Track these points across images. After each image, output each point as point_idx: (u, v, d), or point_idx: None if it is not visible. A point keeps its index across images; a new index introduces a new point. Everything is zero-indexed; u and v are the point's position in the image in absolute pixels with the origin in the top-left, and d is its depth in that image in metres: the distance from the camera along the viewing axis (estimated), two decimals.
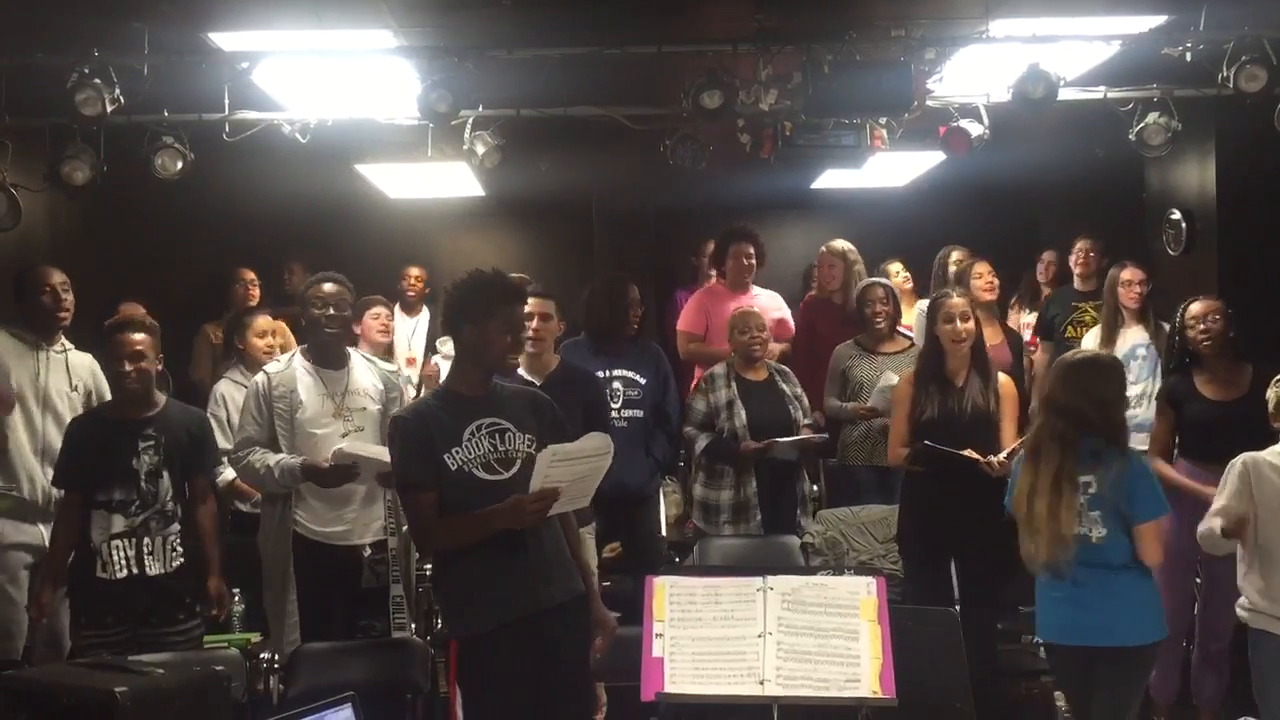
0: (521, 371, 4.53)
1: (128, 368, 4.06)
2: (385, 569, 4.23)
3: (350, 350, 4.41)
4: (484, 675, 3.29)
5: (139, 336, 4.08)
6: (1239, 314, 4.85)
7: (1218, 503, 3.70)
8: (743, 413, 5.15)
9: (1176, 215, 6.06)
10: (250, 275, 6.83)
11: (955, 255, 6.23)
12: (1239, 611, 3.72)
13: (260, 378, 4.31)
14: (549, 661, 3.29)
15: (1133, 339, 5.52)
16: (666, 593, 3.44)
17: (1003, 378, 4.66)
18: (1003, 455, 4.39)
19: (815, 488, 5.78)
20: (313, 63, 4.73)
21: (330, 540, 4.24)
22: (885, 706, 3.25)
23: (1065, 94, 4.89)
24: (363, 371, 4.35)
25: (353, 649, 4.10)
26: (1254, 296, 5.58)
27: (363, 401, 4.27)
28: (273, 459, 4.14)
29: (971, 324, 4.54)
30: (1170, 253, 6.12)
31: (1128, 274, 5.47)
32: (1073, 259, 6.18)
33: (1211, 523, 3.66)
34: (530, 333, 4.42)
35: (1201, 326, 4.60)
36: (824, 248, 6.42)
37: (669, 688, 3.28)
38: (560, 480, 3.17)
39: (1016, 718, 4.72)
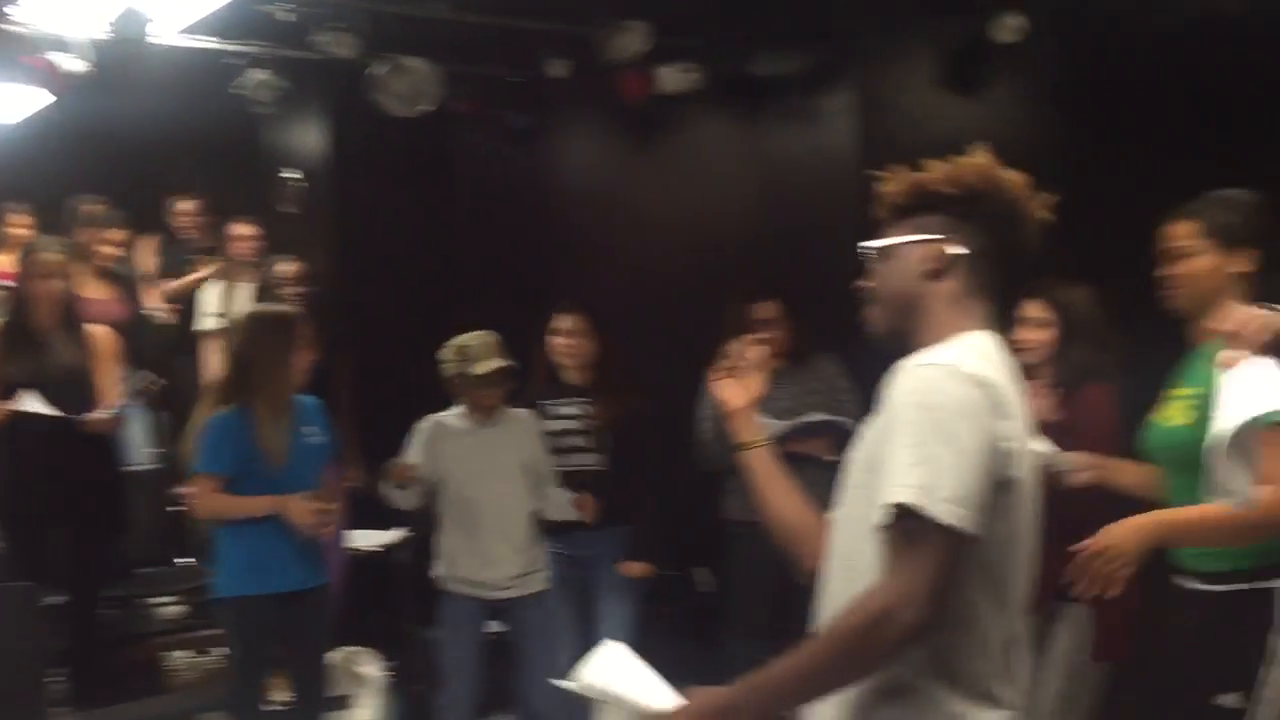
0: None
1: None
2: None
3: None
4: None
5: None
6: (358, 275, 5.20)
7: None
8: None
9: (293, 174, 6.24)
10: None
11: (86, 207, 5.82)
12: None
13: None
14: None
15: (245, 295, 5.62)
16: None
17: (98, 329, 4.46)
18: (106, 412, 4.24)
19: None
20: None
21: None
22: None
23: (175, 41, 4.75)
24: None
25: None
26: (361, 256, 5.96)
27: None
28: None
29: (64, 281, 4.28)
30: (288, 211, 6.29)
31: (240, 229, 5.59)
32: (179, 219, 6.13)
33: None
34: None
35: (292, 288, 4.95)
36: None
37: None
38: None
39: (126, 681, 4.57)
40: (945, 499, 1.55)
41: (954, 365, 1.64)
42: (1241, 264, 2.63)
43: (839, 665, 1.61)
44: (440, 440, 4.00)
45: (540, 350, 4.30)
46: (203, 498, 3.61)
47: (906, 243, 1.80)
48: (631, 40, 4.86)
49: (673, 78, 5.13)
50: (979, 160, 1.79)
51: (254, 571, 3.63)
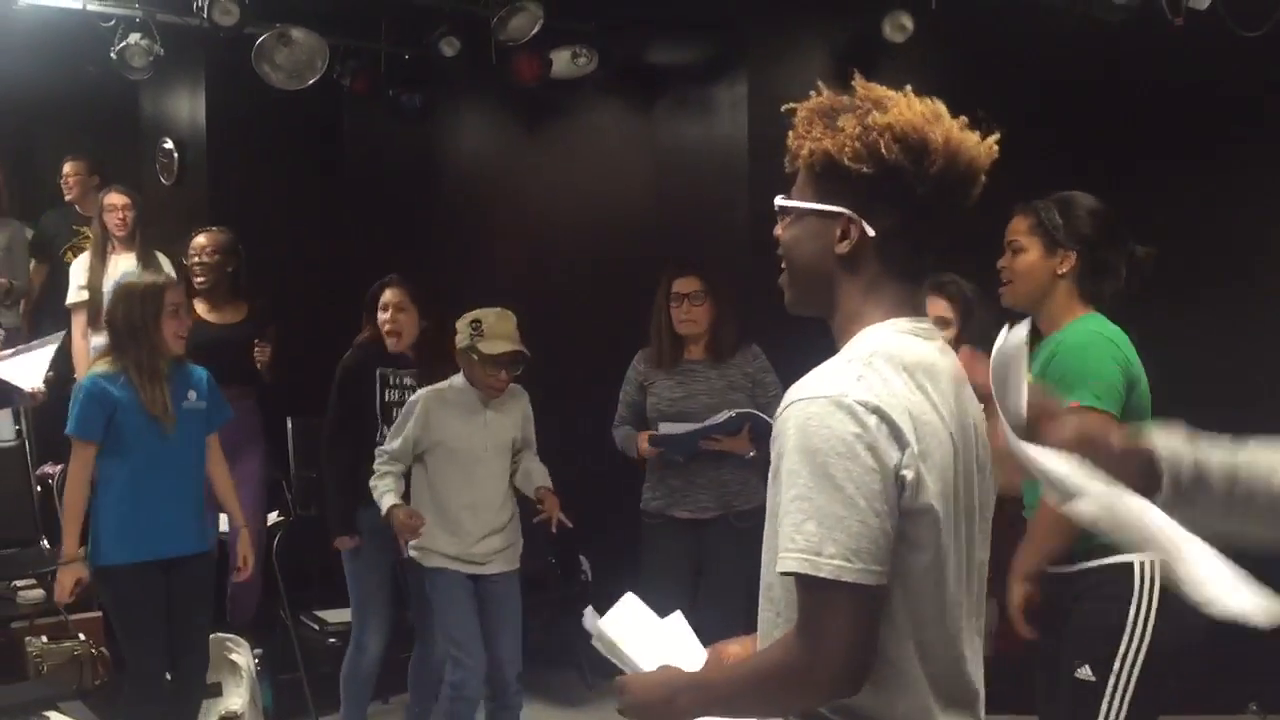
0: None
1: None
2: None
3: None
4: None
5: None
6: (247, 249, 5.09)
7: None
8: None
9: (169, 144, 6.04)
10: None
11: None
12: None
13: None
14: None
15: (124, 265, 5.45)
16: None
17: None
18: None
19: None
20: None
21: None
22: None
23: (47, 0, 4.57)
24: None
25: None
26: (244, 230, 5.80)
27: None
28: None
29: None
30: (163, 182, 6.10)
31: (111, 199, 5.41)
32: (63, 182, 5.95)
33: None
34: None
35: (199, 259, 4.90)
36: None
37: None
38: None
39: None
40: (835, 557, 1.45)
41: (839, 396, 1.49)
42: (1063, 264, 2.72)
43: (758, 704, 1.57)
44: (438, 414, 3.88)
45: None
46: (74, 461, 3.65)
47: (816, 211, 1.62)
48: (525, 22, 4.81)
49: (566, 62, 5.09)
50: (901, 120, 1.55)
51: (129, 538, 3.62)
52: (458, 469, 3.89)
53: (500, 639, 3.94)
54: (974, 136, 1.59)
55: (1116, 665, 2.57)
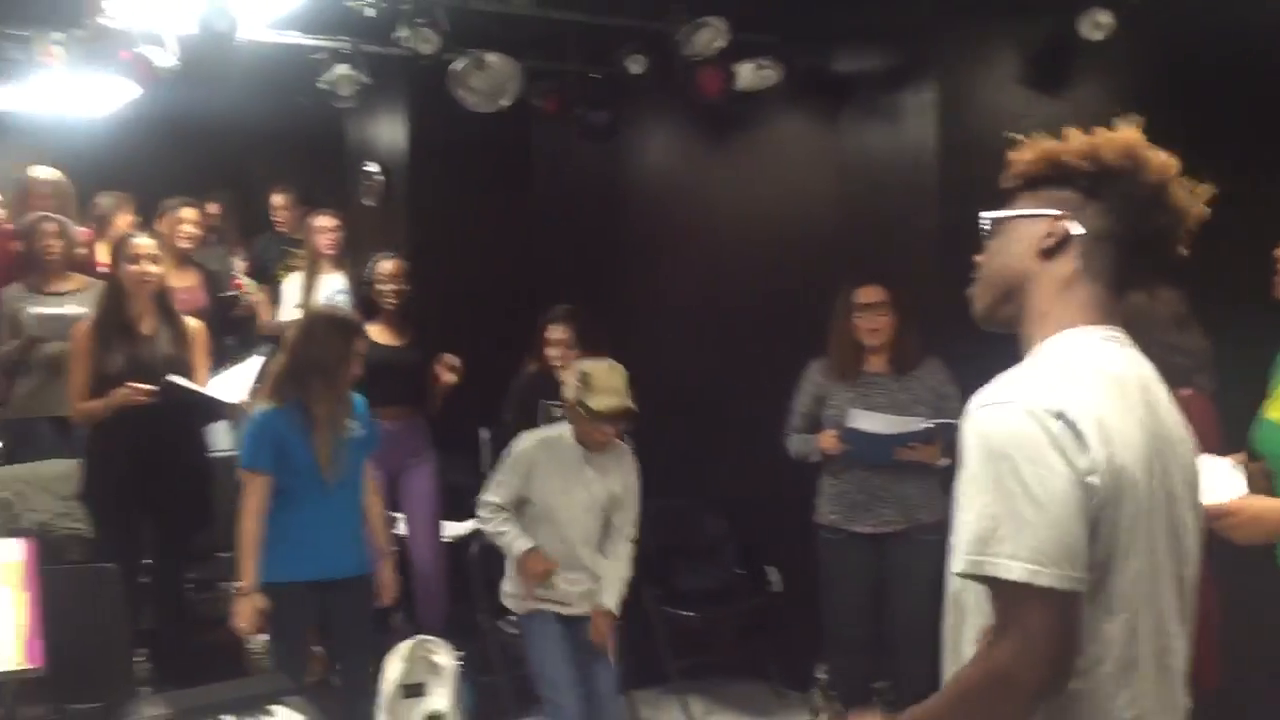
0: None
1: None
2: None
3: None
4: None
5: None
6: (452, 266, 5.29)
7: None
8: None
9: (373, 168, 6.34)
10: None
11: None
12: None
13: None
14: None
15: (332, 284, 5.75)
16: None
17: (192, 322, 4.57)
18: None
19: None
20: None
21: None
22: (34, 677, 3.04)
23: (258, 35, 4.84)
24: None
25: None
26: (442, 248, 6.04)
27: None
28: None
29: (157, 267, 4.41)
30: (367, 205, 6.39)
31: (321, 221, 5.70)
32: (273, 214, 6.31)
33: None
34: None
35: (392, 285, 5.12)
36: (33, 174, 5.78)
37: None
38: None
39: (208, 663, 4.68)
40: (1026, 561, 1.45)
41: (1021, 401, 1.51)
42: None
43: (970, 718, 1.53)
44: (540, 468, 3.91)
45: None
46: (248, 492, 3.72)
47: (1023, 216, 1.67)
48: (710, 36, 4.85)
49: (750, 74, 5.11)
50: (1125, 135, 1.64)
51: (289, 559, 3.74)
52: (551, 526, 3.90)
53: (596, 676, 3.95)
54: (1186, 189, 1.63)
55: None
